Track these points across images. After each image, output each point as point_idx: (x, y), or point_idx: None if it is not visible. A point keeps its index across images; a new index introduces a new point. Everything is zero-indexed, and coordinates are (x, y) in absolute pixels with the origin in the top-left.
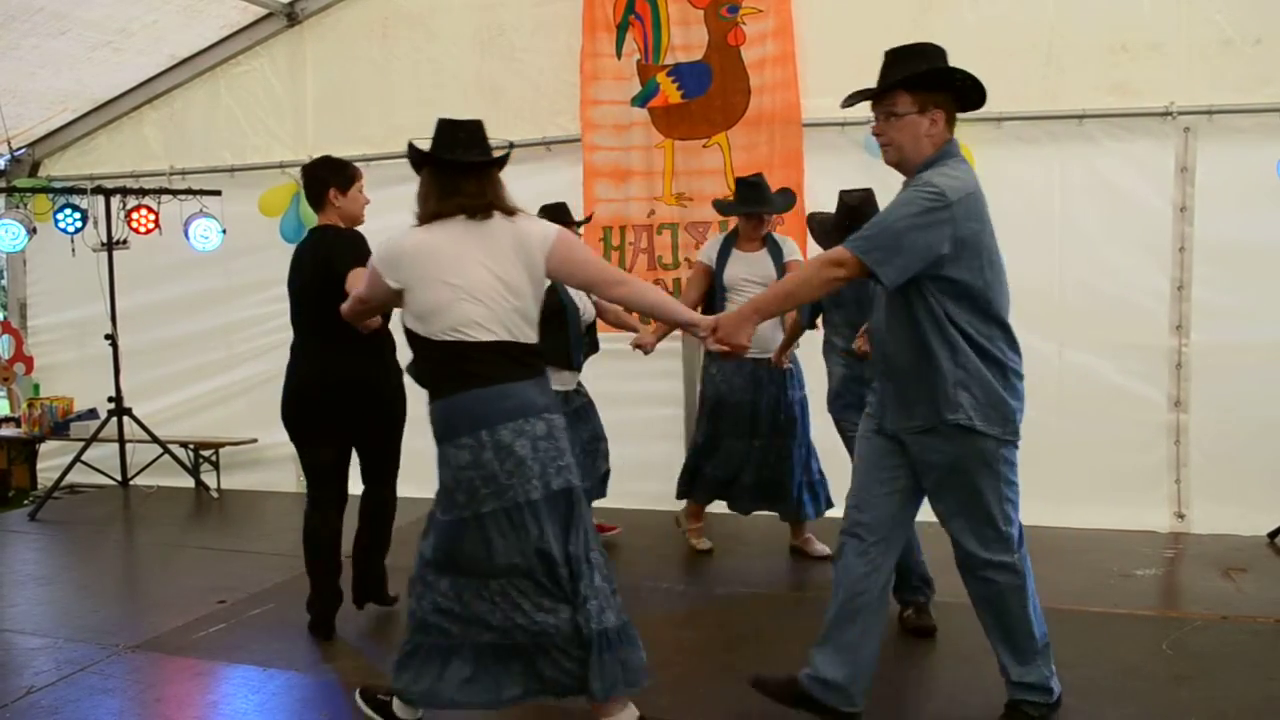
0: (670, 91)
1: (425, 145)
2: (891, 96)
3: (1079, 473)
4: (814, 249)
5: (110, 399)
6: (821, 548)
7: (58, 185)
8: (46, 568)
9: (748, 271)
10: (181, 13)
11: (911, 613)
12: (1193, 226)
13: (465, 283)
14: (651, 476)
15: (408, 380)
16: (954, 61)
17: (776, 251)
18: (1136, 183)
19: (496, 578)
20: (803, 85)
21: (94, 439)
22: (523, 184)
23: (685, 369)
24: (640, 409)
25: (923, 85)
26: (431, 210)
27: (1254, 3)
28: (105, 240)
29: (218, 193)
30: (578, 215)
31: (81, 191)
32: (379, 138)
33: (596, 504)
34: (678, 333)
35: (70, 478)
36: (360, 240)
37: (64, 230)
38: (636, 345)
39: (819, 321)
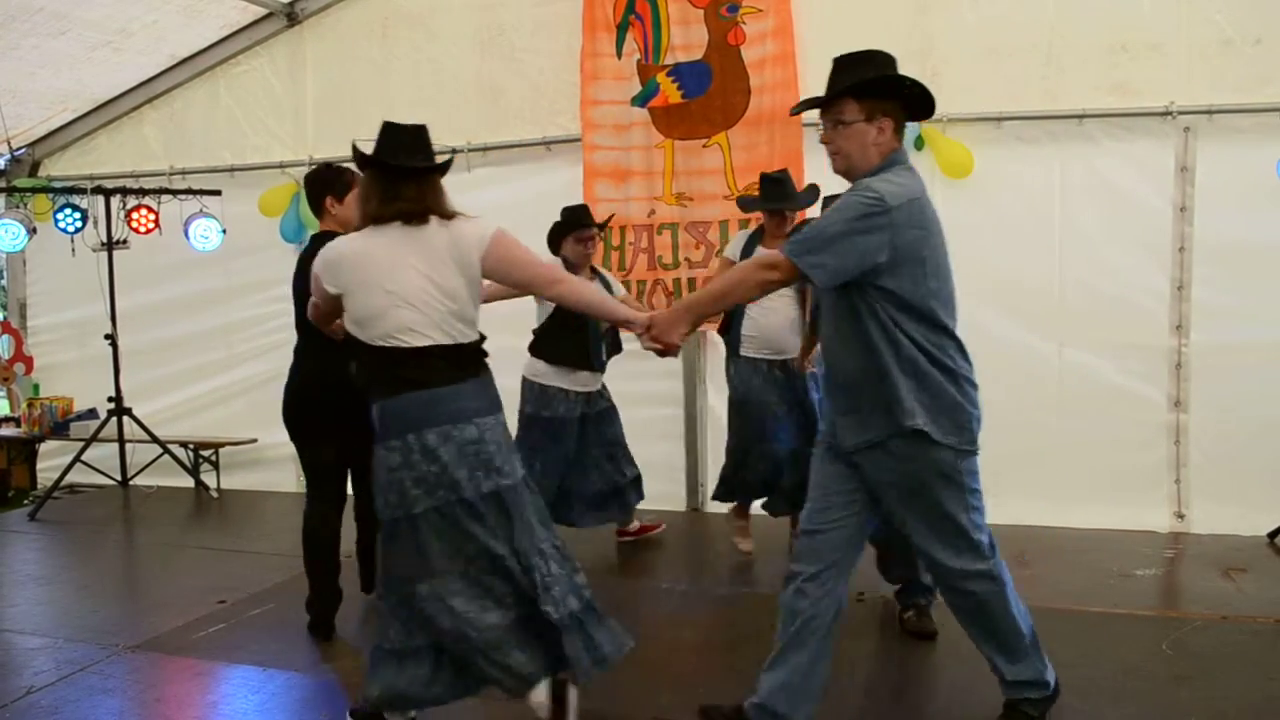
0: (670, 91)
1: (372, 147)
2: (839, 104)
3: (1079, 473)
4: None
5: (110, 399)
6: None
7: (58, 185)
8: (46, 568)
9: None
10: (181, 13)
11: (912, 615)
12: (1193, 226)
13: (400, 289)
14: (651, 476)
15: None
16: (954, 61)
17: None
18: (1136, 183)
19: (438, 577)
20: (803, 85)
21: (94, 439)
22: (523, 184)
23: (685, 369)
24: (640, 409)
25: (870, 93)
26: (371, 213)
27: (1254, 3)
28: (105, 240)
29: (218, 193)
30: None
31: (81, 191)
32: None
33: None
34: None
35: (70, 478)
36: None
37: (64, 230)
38: (648, 347)
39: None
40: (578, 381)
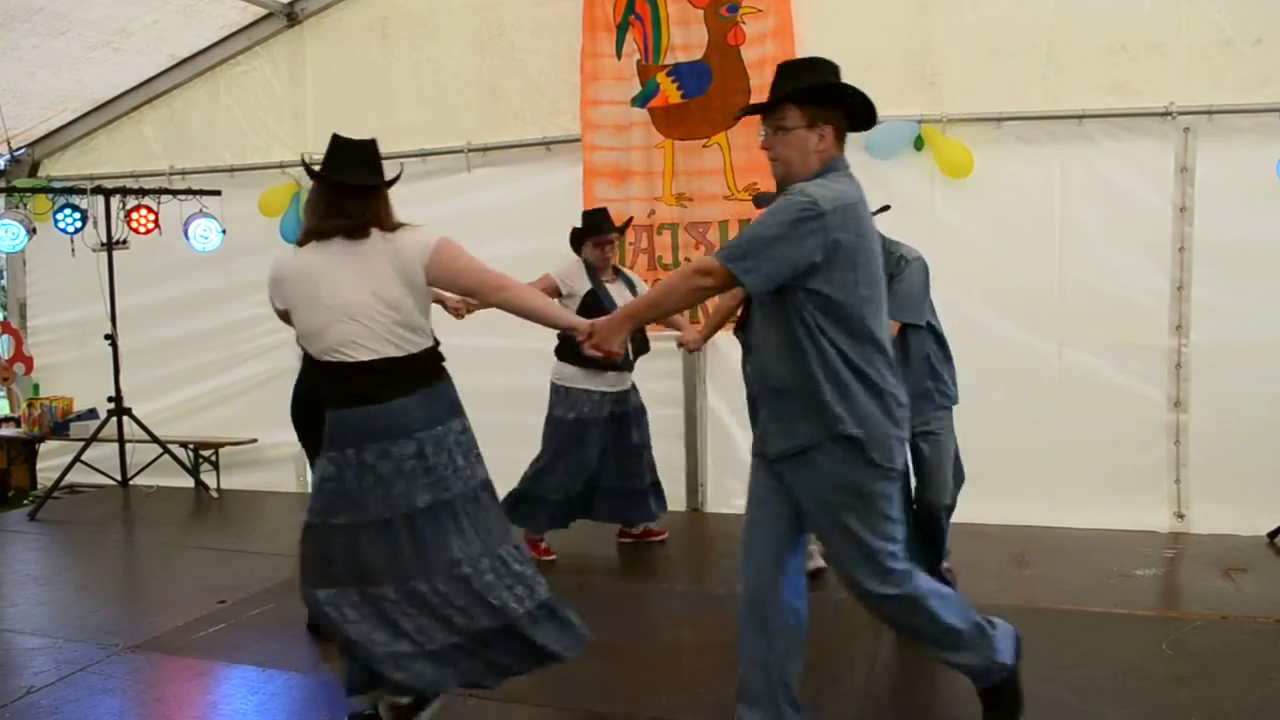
0: (670, 91)
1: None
2: (780, 110)
3: (1079, 473)
4: None
5: (110, 399)
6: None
7: (58, 185)
8: (46, 568)
9: None
10: (181, 13)
11: None
12: (1192, 226)
13: (341, 303)
14: None
15: None
16: (954, 61)
17: None
18: (1136, 183)
19: (339, 587)
20: None
21: (94, 439)
22: (523, 184)
23: (685, 369)
24: None
25: (812, 100)
26: (313, 228)
27: (1254, 3)
28: (105, 240)
29: (217, 193)
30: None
31: (81, 191)
32: (379, 138)
33: None
34: (678, 333)
35: (70, 478)
36: None
37: (64, 230)
38: (681, 344)
39: None
40: (605, 382)
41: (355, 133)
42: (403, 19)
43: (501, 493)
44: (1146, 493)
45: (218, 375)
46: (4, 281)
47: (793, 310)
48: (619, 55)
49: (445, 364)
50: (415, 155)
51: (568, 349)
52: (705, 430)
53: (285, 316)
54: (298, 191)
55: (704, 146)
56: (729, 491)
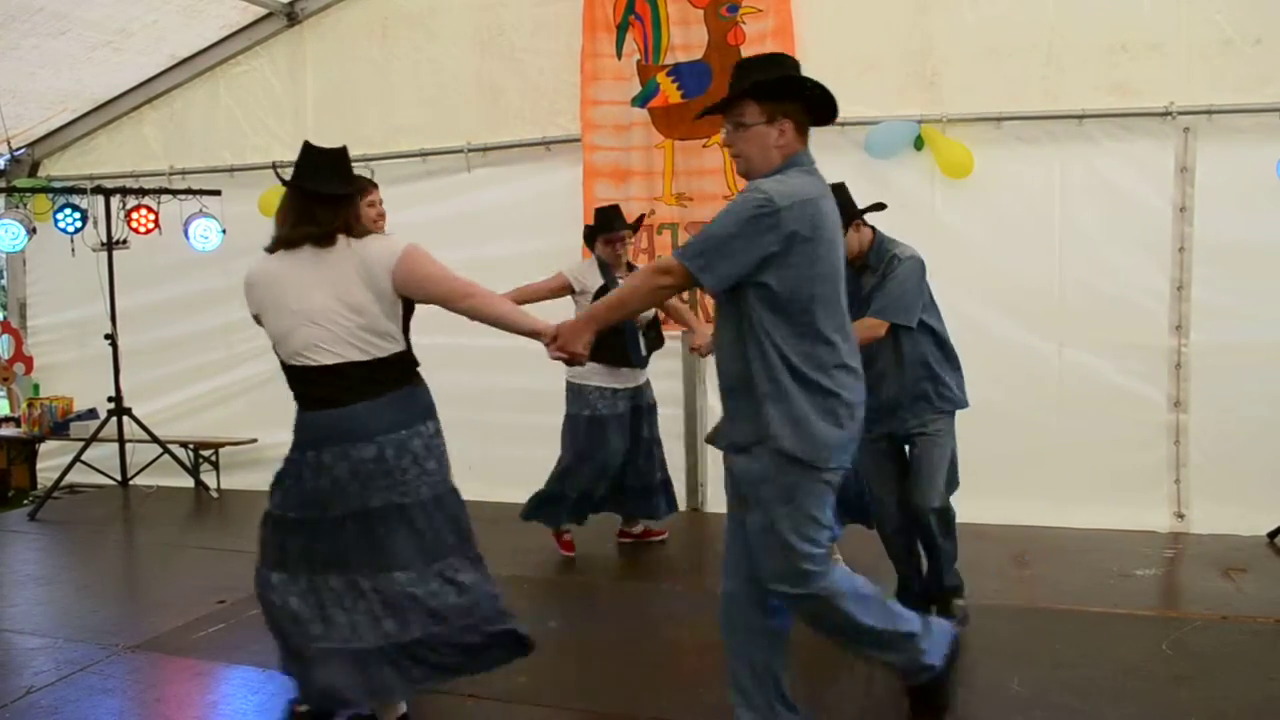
0: (670, 91)
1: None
2: (739, 106)
3: (1079, 473)
4: None
5: (110, 399)
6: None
7: (58, 185)
8: (46, 568)
9: None
10: (181, 13)
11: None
12: (1192, 226)
13: (305, 308)
14: None
15: None
16: (954, 61)
17: None
18: (1136, 183)
19: (290, 573)
20: None
21: (94, 439)
22: (523, 184)
23: (685, 369)
24: None
25: (771, 95)
26: (284, 236)
27: (1254, 3)
28: (105, 240)
29: (217, 193)
30: (576, 217)
31: (81, 191)
32: (379, 138)
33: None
34: (678, 332)
35: (70, 478)
36: None
37: (64, 230)
38: (693, 348)
39: None
40: (619, 378)
41: (356, 132)
42: (403, 19)
43: (502, 492)
44: (1146, 493)
45: (218, 375)
46: (4, 281)
47: (743, 308)
48: (619, 55)
49: (418, 368)
50: (415, 155)
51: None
52: (705, 430)
53: (259, 320)
54: None
55: (704, 146)
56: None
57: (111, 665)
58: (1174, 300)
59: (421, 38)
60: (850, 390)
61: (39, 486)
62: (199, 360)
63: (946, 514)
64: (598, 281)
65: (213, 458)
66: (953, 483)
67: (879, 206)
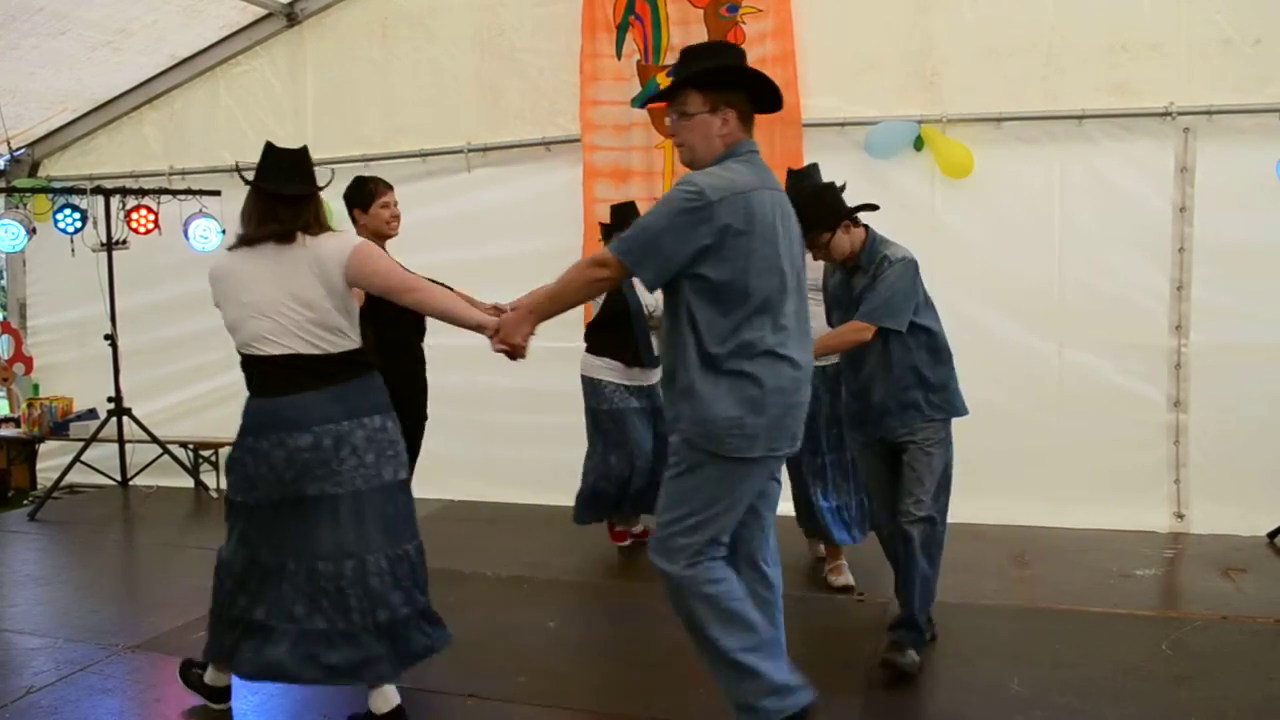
0: None
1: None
2: (682, 96)
3: (1079, 473)
4: None
5: (110, 399)
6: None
7: (57, 185)
8: (46, 568)
9: (810, 275)
10: (181, 13)
11: (887, 645)
12: (1192, 226)
13: (254, 300)
14: None
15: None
16: (954, 61)
17: None
18: (1136, 183)
19: (236, 548)
20: (803, 85)
21: (94, 439)
22: (523, 184)
23: None
24: None
25: (713, 84)
26: (248, 234)
27: (1254, 3)
28: (105, 240)
29: (217, 193)
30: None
31: (81, 191)
32: (379, 138)
33: None
34: None
35: (70, 478)
36: None
37: (64, 230)
38: None
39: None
40: (630, 376)
41: (356, 132)
42: (403, 19)
43: (502, 492)
44: (1146, 493)
45: (218, 375)
46: (4, 281)
47: (679, 298)
48: (619, 55)
49: (370, 365)
50: (415, 155)
51: (594, 342)
52: None
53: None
54: None
55: None
56: None
57: (111, 665)
58: (1174, 300)
59: (421, 38)
60: (777, 378)
61: (39, 486)
62: (199, 360)
63: (932, 528)
64: None
65: (213, 458)
66: (942, 494)
67: (870, 207)
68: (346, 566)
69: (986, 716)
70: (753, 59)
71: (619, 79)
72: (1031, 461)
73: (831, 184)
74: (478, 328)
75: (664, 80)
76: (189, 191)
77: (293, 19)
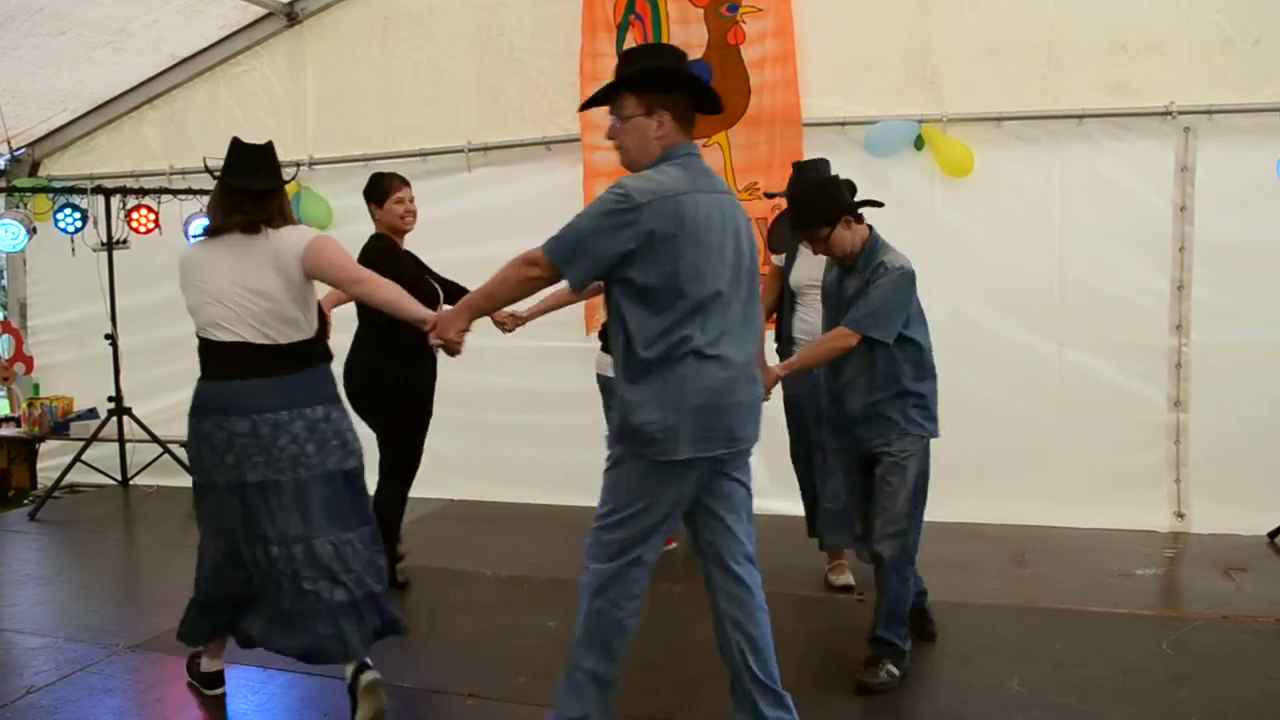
0: None
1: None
2: (618, 99)
3: (1079, 473)
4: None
5: (110, 399)
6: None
7: (58, 185)
8: (46, 568)
9: (815, 273)
10: (181, 13)
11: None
12: (1193, 226)
13: (211, 287)
14: None
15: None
16: (954, 61)
17: None
18: (1136, 182)
19: (204, 530)
20: (803, 85)
21: (94, 439)
22: (523, 184)
23: None
24: None
25: (648, 86)
26: (216, 225)
27: (1254, 3)
28: (105, 240)
29: None
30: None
31: (81, 191)
32: (379, 138)
33: None
34: None
35: (70, 477)
36: (371, 248)
37: (64, 230)
38: None
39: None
40: None
41: (356, 132)
42: (403, 19)
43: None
44: (1146, 492)
45: None
46: (4, 281)
47: (612, 301)
48: (619, 55)
49: (321, 358)
50: (415, 155)
51: (606, 341)
52: None
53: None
54: (298, 191)
55: (704, 146)
56: None
57: (111, 665)
58: (1174, 300)
59: (421, 38)
60: (703, 379)
61: (39, 486)
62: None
63: (904, 543)
64: None
65: None
66: (916, 509)
67: (874, 204)
68: (297, 550)
69: (986, 716)
70: (752, 58)
71: None
72: (1031, 461)
73: (835, 177)
74: (419, 322)
75: None
76: (189, 191)
77: (293, 19)
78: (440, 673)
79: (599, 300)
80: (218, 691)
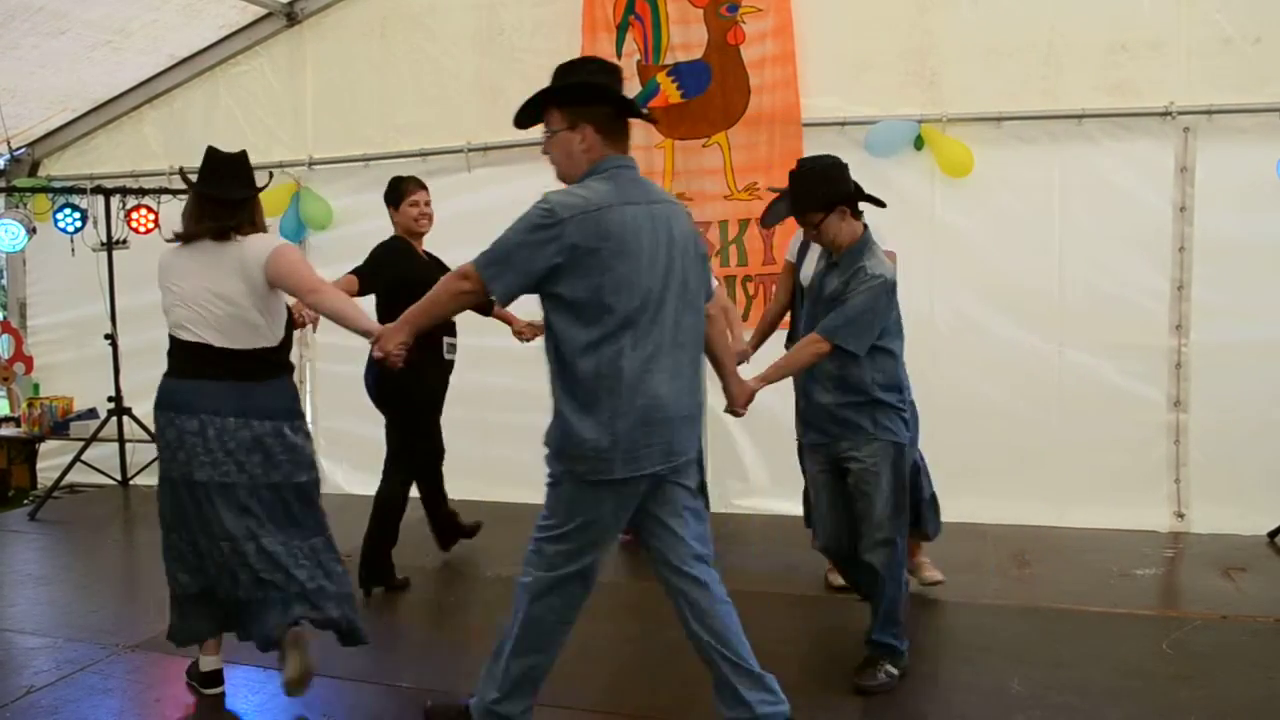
0: (670, 91)
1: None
2: (546, 114)
3: (1079, 473)
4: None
5: (110, 398)
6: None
7: (57, 185)
8: (46, 568)
9: (805, 271)
10: (181, 13)
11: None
12: (1193, 226)
13: (180, 289)
14: None
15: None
16: (954, 61)
17: None
18: (1136, 183)
19: (176, 532)
20: (802, 85)
21: (94, 438)
22: (523, 184)
23: None
24: None
25: (570, 100)
26: (188, 231)
27: (1254, 3)
28: (105, 240)
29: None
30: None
31: (81, 191)
32: (379, 138)
33: None
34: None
35: (70, 477)
36: (382, 250)
37: (64, 230)
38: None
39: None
40: None
41: (355, 132)
42: (403, 19)
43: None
44: (1146, 493)
45: None
46: (4, 281)
47: (545, 317)
48: (619, 55)
49: (284, 370)
50: (415, 155)
51: None
52: (706, 430)
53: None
54: (298, 191)
55: (704, 146)
56: (729, 491)
57: (111, 665)
58: (1174, 300)
59: (421, 38)
60: (637, 395)
61: (39, 486)
62: None
63: (893, 549)
64: None
65: None
66: (899, 514)
67: (877, 202)
68: (248, 547)
69: (986, 716)
70: (752, 58)
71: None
72: (1031, 461)
73: (838, 163)
74: (364, 333)
75: (664, 80)
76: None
77: (292, 19)
78: (440, 673)
79: None
80: (217, 691)
